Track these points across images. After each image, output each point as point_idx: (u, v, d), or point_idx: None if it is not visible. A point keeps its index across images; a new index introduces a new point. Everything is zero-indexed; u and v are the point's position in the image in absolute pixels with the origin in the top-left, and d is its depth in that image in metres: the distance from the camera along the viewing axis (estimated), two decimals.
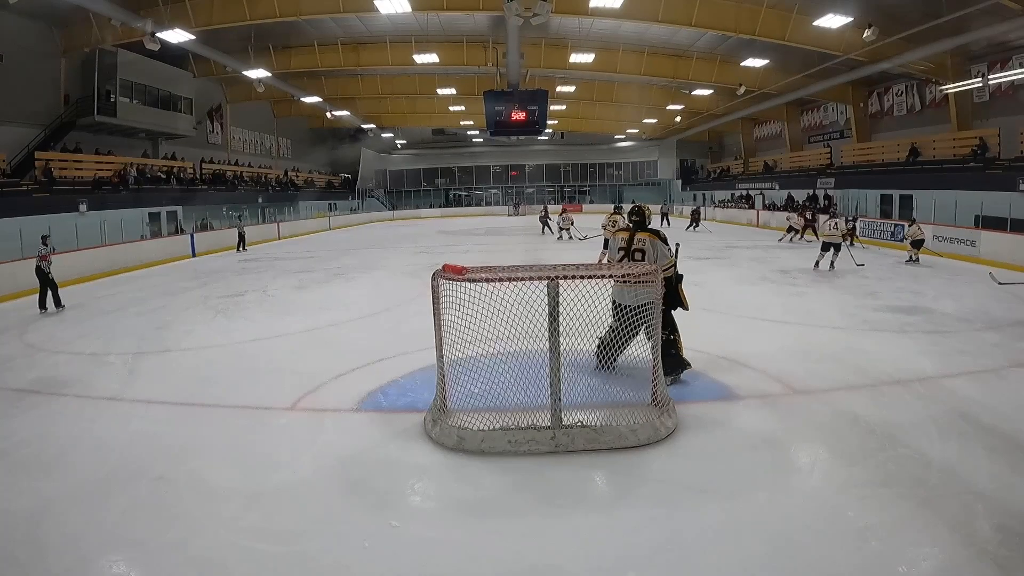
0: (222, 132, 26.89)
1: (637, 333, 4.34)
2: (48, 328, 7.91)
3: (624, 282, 4.30)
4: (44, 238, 9.86)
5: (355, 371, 5.38)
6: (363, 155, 38.56)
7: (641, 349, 4.40)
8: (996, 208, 13.67)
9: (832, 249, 11.14)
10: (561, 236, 19.70)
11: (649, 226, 4.93)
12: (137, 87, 19.25)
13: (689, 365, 4.88)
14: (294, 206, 29.30)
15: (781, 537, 2.78)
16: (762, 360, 5.42)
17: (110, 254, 13.75)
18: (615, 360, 4.46)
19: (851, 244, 13.47)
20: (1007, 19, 12.81)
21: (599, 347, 4.57)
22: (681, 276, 4.94)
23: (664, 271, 4.54)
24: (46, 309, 9.04)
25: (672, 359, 4.70)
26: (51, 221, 13.66)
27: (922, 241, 12.56)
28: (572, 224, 19.94)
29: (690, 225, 22.93)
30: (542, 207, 24.76)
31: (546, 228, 21.91)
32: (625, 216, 9.94)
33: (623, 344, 4.43)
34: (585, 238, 17.98)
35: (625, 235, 4.87)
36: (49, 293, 9.15)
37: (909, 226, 13.05)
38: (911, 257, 12.50)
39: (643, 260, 4.70)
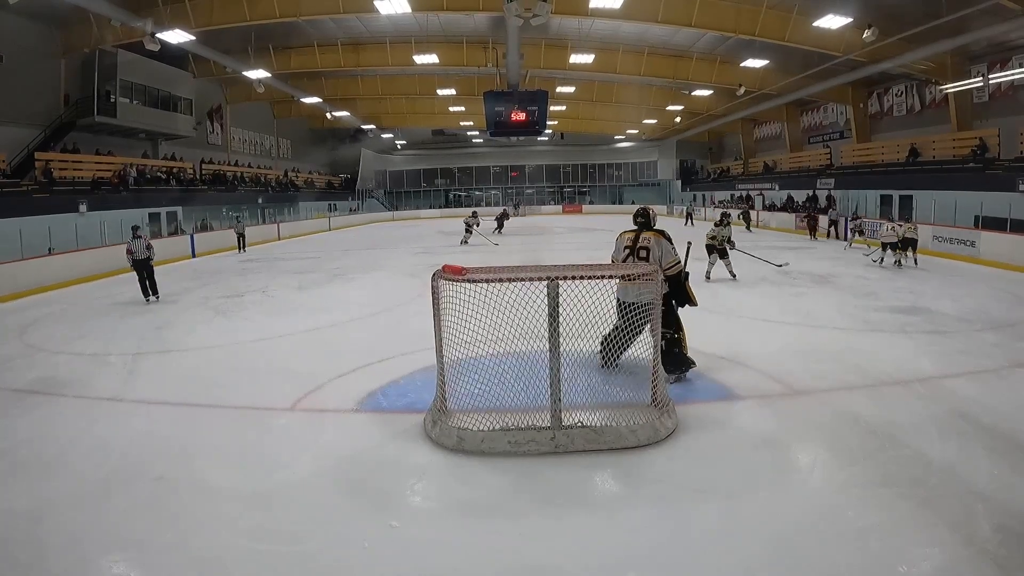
0: (222, 132, 26.90)
1: (641, 331, 4.36)
2: (48, 328, 7.91)
3: (628, 279, 4.36)
4: (134, 228, 9.96)
5: (355, 371, 5.38)
6: (363, 155, 38.55)
7: (643, 349, 4.40)
8: (996, 208, 13.66)
9: (888, 248, 11.97)
10: (465, 240, 18.90)
11: (654, 226, 5.01)
12: (137, 87, 19.27)
13: (694, 363, 4.93)
14: (294, 207, 29.31)
15: (781, 537, 2.78)
16: (762, 360, 5.43)
17: (110, 254, 13.74)
18: (619, 358, 4.51)
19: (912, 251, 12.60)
20: (1007, 19, 12.81)
21: (603, 344, 4.60)
22: (687, 274, 5.02)
23: (668, 269, 4.68)
24: (155, 297, 9.61)
25: (676, 357, 4.76)
26: (51, 221, 13.69)
27: (915, 241, 11.76)
28: (477, 226, 19.12)
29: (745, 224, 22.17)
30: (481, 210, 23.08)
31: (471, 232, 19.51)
32: (723, 224, 10.42)
33: (627, 342, 4.47)
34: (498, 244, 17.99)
35: (631, 235, 4.95)
36: (147, 280, 9.58)
37: (899, 225, 12.22)
38: (905, 258, 11.78)
39: (648, 258, 4.78)
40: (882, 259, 11.99)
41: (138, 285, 9.66)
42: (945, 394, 4.56)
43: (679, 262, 4.89)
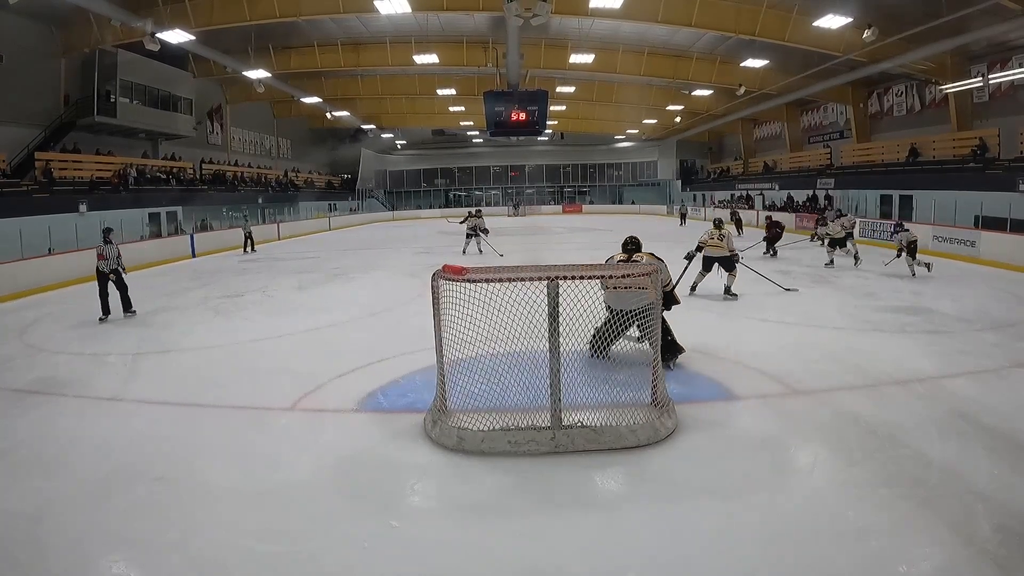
0: (222, 132, 26.90)
1: (629, 327, 4.62)
2: (48, 328, 7.90)
3: (615, 288, 4.67)
4: (105, 232, 8.48)
5: (355, 371, 5.38)
6: (363, 155, 38.54)
7: (637, 348, 4.41)
8: (996, 208, 13.66)
9: (837, 246, 12.00)
10: (465, 250, 15.70)
11: (645, 250, 5.50)
12: (137, 87, 19.26)
13: (683, 350, 5.27)
14: (294, 206, 29.30)
15: (781, 537, 2.78)
16: (762, 360, 5.43)
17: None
18: (607, 350, 4.72)
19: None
20: (1007, 19, 12.81)
21: (593, 337, 4.70)
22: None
23: (665, 287, 5.11)
24: (131, 313, 8.22)
25: (672, 345, 5.16)
26: (51, 221, 13.69)
27: (915, 242, 10.73)
28: (484, 232, 15.65)
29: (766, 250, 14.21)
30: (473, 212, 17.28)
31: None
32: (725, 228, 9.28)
33: (616, 336, 4.66)
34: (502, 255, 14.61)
35: (624, 256, 5.40)
36: (117, 296, 8.14)
37: (895, 233, 11.06)
38: (917, 264, 10.57)
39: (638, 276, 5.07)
40: (832, 260, 11.86)
41: (99, 300, 8.09)
42: (945, 394, 4.56)
43: (671, 281, 5.43)
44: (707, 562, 2.63)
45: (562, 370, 3.73)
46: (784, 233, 14.84)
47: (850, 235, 12.43)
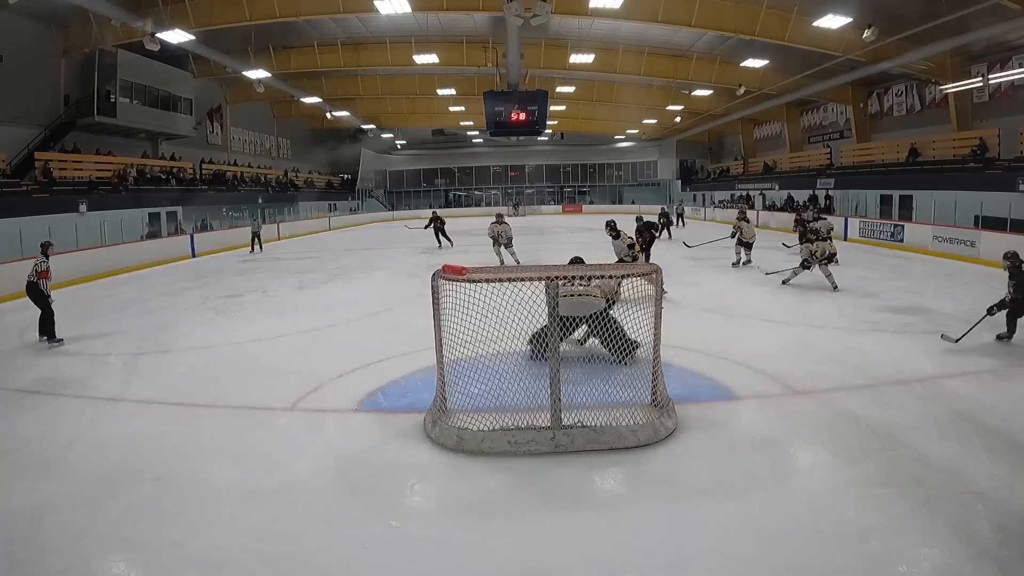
0: (222, 132, 26.89)
1: (574, 331, 4.97)
2: None
3: (568, 296, 4.71)
4: (45, 246, 7.48)
5: (355, 371, 5.38)
6: (363, 155, 38.53)
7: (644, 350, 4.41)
8: (996, 208, 13.66)
9: (746, 248, 11.93)
10: (503, 259, 13.89)
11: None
12: (137, 87, 19.25)
13: (639, 344, 4.89)
14: (294, 206, 29.29)
15: (781, 537, 2.78)
16: (762, 360, 5.43)
17: (110, 255, 13.75)
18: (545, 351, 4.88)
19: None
20: (1007, 19, 12.80)
21: (534, 338, 4.79)
22: None
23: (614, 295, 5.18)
24: (52, 339, 6.93)
25: (629, 343, 4.80)
26: (51, 221, 13.65)
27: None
28: (509, 242, 13.78)
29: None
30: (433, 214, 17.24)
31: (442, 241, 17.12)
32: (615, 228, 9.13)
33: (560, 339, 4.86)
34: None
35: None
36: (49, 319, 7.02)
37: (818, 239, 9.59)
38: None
39: (589, 282, 5.06)
40: (739, 261, 11.80)
41: (40, 321, 7.01)
42: (945, 394, 4.56)
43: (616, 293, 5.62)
44: (707, 562, 2.64)
45: (562, 370, 3.73)
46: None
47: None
